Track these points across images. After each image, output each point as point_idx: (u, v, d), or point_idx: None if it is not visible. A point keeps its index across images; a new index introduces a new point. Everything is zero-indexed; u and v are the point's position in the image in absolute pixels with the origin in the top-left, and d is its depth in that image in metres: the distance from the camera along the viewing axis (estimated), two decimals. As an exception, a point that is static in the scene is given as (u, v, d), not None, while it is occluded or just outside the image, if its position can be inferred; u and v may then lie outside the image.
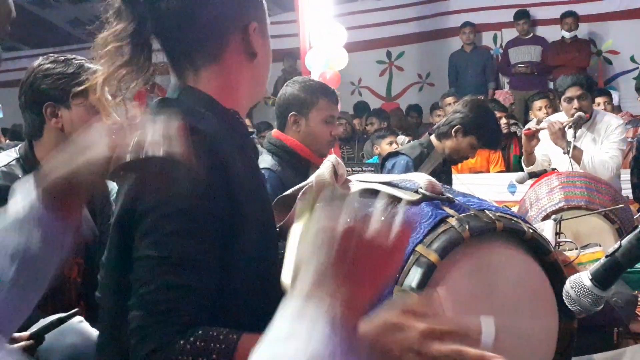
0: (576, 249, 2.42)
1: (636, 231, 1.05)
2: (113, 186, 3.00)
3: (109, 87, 1.28)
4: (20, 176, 1.93)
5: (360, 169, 4.47)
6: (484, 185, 5.35)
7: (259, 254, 1.23)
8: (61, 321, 1.44)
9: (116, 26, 1.27)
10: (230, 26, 1.28)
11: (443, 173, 3.49)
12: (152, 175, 1.03)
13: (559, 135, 3.83)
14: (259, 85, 1.38)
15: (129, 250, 1.15)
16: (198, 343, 1.05)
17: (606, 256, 1.07)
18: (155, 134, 1.05)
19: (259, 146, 2.32)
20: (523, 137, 4.11)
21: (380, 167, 3.61)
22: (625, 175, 4.45)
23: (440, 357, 0.99)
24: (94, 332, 1.70)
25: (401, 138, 5.79)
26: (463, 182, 4.27)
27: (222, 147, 1.17)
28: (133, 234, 1.14)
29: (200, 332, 1.07)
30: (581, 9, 8.30)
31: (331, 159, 1.42)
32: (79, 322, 1.76)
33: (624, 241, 1.06)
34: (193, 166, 1.03)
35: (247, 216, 1.19)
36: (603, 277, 1.07)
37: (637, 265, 2.46)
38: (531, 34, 8.58)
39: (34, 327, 1.54)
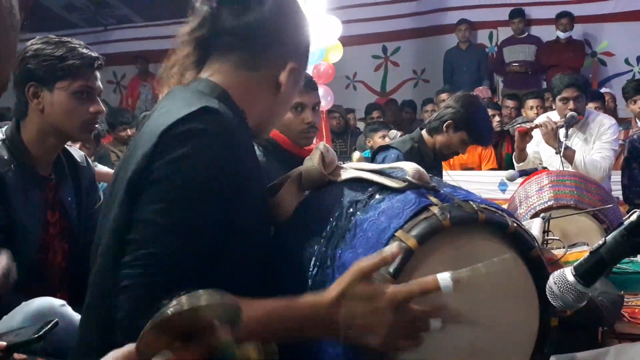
0: (563, 247, 2.42)
1: (621, 228, 1.04)
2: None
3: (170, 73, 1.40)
4: (5, 157, 1.91)
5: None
6: (475, 182, 5.36)
7: (257, 237, 1.27)
8: (39, 338, 1.42)
9: (192, 22, 1.38)
10: (276, 48, 1.35)
11: (433, 168, 3.49)
12: (173, 146, 1.15)
13: (551, 135, 3.83)
14: (267, 122, 1.44)
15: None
16: (183, 300, 1.07)
17: (590, 252, 1.07)
18: (171, 111, 1.19)
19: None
20: (516, 133, 4.12)
21: (371, 161, 3.60)
22: (616, 176, 4.47)
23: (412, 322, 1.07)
24: (76, 316, 1.69)
25: (393, 132, 5.78)
26: (454, 179, 4.28)
27: (237, 132, 1.22)
28: (139, 196, 1.18)
29: (185, 292, 1.09)
30: (576, 10, 8.31)
31: (320, 147, 1.42)
32: (61, 306, 1.75)
33: (609, 237, 1.05)
34: (212, 143, 1.15)
35: (250, 200, 1.23)
36: (586, 273, 1.06)
37: (623, 266, 2.51)
38: (526, 33, 8.61)
39: (11, 330, 1.50)
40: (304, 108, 2.64)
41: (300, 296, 1.13)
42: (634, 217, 1.03)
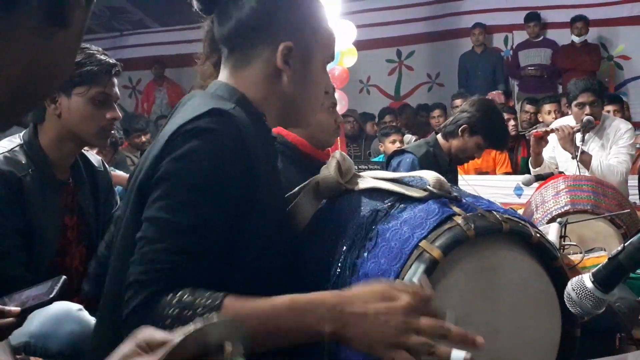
0: (580, 252, 2.40)
1: (640, 234, 1.04)
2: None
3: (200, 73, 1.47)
4: (23, 162, 1.93)
5: (366, 167, 4.47)
6: (490, 187, 5.34)
7: (268, 243, 1.26)
8: (53, 299, 1.41)
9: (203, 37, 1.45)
10: (260, 38, 1.34)
11: (449, 172, 3.47)
12: (178, 144, 1.17)
13: (568, 140, 3.81)
14: (292, 109, 1.41)
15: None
16: (185, 297, 1.09)
17: (609, 258, 1.06)
18: (184, 114, 1.22)
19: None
20: (532, 138, 4.10)
21: (385, 165, 3.60)
22: (633, 181, 4.42)
23: (422, 333, 1.02)
24: (93, 320, 1.70)
25: (408, 137, 5.76)
26: (469, 183, 4.26)
27: (247, 133, 1.22)
28: (148, 196, 1.20)
29: (189, 289, 1.11)
30: (592, 14, 8.24)
31: (336, 155, 1.42)
32: (79, 310, 1.76)
33: (628, 244, 1.05)
34: (218, 141, 1.16)
35: (261, 203, 1.23)
36: (605, 280, 1.06)
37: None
38: (541, 37, 8.55)
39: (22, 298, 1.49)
40: (336, 107, 2.74)
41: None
42: (653, 223, 1.02)
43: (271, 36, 1.34)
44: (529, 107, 7.03)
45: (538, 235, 1.20)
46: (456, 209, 1.20)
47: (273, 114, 1.39)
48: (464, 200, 1.25)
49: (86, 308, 1.79)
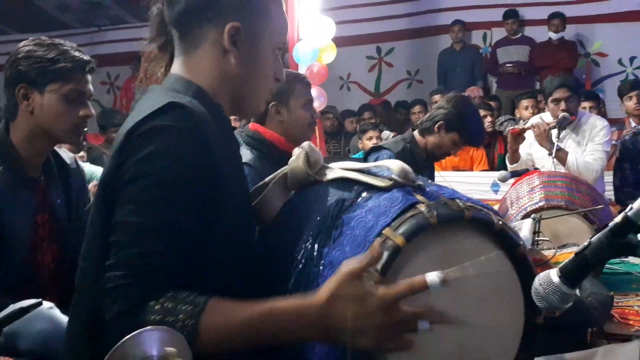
0: (554, 248, 2.43)
1: (606, 230, 1.04)
2: (90, 171, 2.98)
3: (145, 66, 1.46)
4: None
5: (345, 164, 4.46)
6: (468, 183, 5.37)
7: (237, 235, 1.27)
8: (23, 311, 1.41)
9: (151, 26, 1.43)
10: (206, 18, 1.33)
11: (426, 169, 3.49)
12: (140, 145, 1.16)
13: (544, 137, 3.84)
14: (240, 94, 1.39)
15: (112, 215, 1.19)
16: (167, 304, 1.10)
17: (575, 254, 1.07)
18: (142, 110, 1.20)
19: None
20: (509, 135, 4.13)
21: (363, 162, 3.60)
22: (608, 177, 4.48)
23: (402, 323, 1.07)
24: (65, 318, 1.68)
25: (385, 133, 5.79)
26: (446, 180, 4.28)
27: (207, 126, 1.21)
28: (115, 199, 1.19)
29: (170, 294, 1.11)
30: (569, 11, 8.33)
31: (304, 147, 1.41)
32: (49, 308, 1.74)
33: (594, 239, 1.05)
34: (179, 139, 1.16)
35: (227, 196, 1.24)
36: (571, 275, 1.06)
37: (614, 266, 2.51)
38: (520, 34, 8.63)
39: None
40: (312, 104, 2.81)
41: (285, 298, 1.12)
42: (618, 219, 1.03)
43: (219, 16, 1.32)
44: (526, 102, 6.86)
45: (500, 222, 1.21)
46: (420, 197, 1.20)
47: (224, 101, 1.38)
48: (427, 189, 1.25)
49: (59, 305, 1.78)
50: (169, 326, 1.05)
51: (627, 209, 1.02)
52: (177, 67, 1.37)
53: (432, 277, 1.05)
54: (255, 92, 1.41)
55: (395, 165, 1.28)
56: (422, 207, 1.16)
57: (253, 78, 1.39)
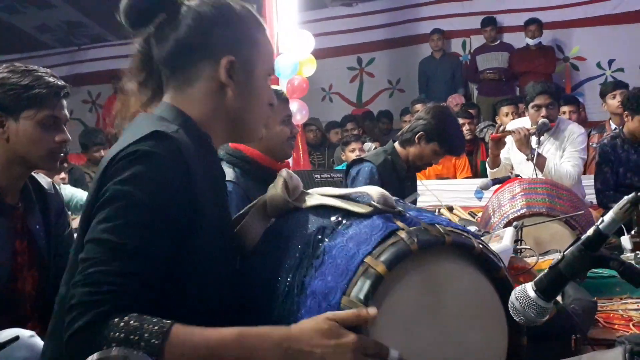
0: (536, 255, 2.44)
1: (578, 243, 1.05)
2: (70, 193, 2.96)
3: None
4: None
5: (329, 176, 4.47)
6: (451, 191, 5.39)
7: (214, 264, 1.27)
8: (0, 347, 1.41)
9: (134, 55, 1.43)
10: (200, 56, 1.35)
11: (408, 180, 3.50)
12: (120, 168, 1.18)
13: (524, 142, 3.88)
14: (239, 124, 1.42)
15: None
16: (132, 322, 1.09)
17: (550, 267, 1.08)
18: (128, 137, 1.22)
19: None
20: (490, 141, 4.17)
21: (345, 175, 3.61)
22: (590, 181, 4.51)
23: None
24: (45, 347, 1.67)
25: (368, 145, 5.80)
26: (429, 189, 4.30)
27: (189, 156, 1.22)
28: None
29: (135, 314, 1.11)
30: (545, 16, 8.43)
31: (283, 174, 1.42)
32: (30, 337, 1.72)
33: (567, 252, 1.07)
34: (159, 164, 1.18)
35: (205, 225, 1.24)
36: (547, 289, 1.07)
37: (598, 270, 2.53)
38: (498, 41, 8.70)
39: None
40: (290, 119, 2.80)
41: (258, 327, 1.12)
42: (590, 232, 1.04)
43: (211, 52, 1.34)
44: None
45: (481, 246, 1.22)
46: (400, 224, 1.21)
47: (221, 131, 1.39)
48: (407, 215, 1.26)
49: (41, 333, 1.76)
50: (132, 345, 1.04)
51: (599, 222, 1.04)
52: (169, 97, 1.38)
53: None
54: (253, 120, 1.44)
55: (374, 192, 1.29)
56: (402, 234, 1.17)
57: (251, 107, 1.41)
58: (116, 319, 1.09)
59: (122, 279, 1.13)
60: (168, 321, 1.10)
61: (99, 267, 1.13)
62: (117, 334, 1.07)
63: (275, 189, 1.40)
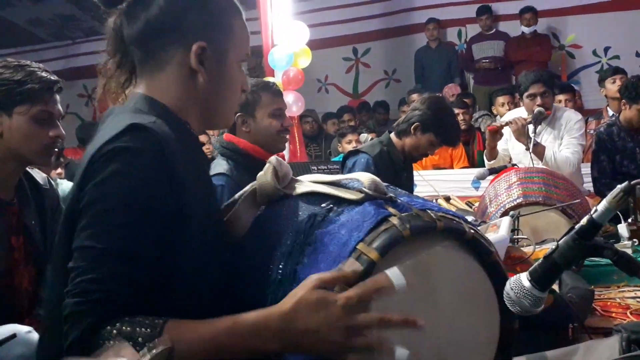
0: (533, 244, 2.45)
1: (572, 232, 1.05)
2: (63, 189, 2.96)
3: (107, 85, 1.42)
4: None
5: (325, 167, 4.47)
6: (448, 181, 5.40)
7: (205, 254, 1.25)
8: None
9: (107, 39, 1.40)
10: (171, 40, 1.32)
11: (404, 170, 3.50)
12: (99, 168, 1.14)
13: (522, 132, 3.87)
14: (210, 110, 1.39)
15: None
16: (124, 327, 1.08)
17: (544, 257, 1.08)
18: (105, 133, 1.18)
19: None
20: (487, 132, 4.16)
21: (341, 166, 3.61)
22: (586, 168, 4.51)
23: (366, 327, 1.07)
24: (43, 343, 1.67)
25: (364, 136, 5.80)
26: (426, 179, 4.30)
27: (169, 148, 1.19)
28: (75, 225, 1.17)
29: (127, 318, 1.10)
30: (541, 4, 8.40)
31: (272, 161, 1.41)
32: (28, 333, 1.72)
33: (561, 242, 1.07)
34: (139, 160, 1.14)
35: (192, 216, 1.22)
36: (541, 279, 1.08)
37: (595, 259, 2.53)
38: (494, 30, 8.68)
39: None
40: (282, 112, 2.80)
41: (249, 312, 1.12)
42: (584, 221, 1.04)
43: (183, 37, 1.31)
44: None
45: (472, 231, 1.21)
46: (391, 210, 1.20)
47: (195, 117, 1.37)
48: (399, 201, 1.25)
49: (37, 329, 1.76)
50: None
51: (592, 211, 1.04)
52: (141, 87, 1.35)
53: (394, 272, 1.07)
54: (224, 107, 1.41)
55: (365, 178, 1.28)
56: (394, 220, 1.17)
57: (222, 94, 1.38)
58: (108, 327, 1.08)
59: (109, 284, 1.11)
60: (160, 320, 1.09)
61: (86, 276, 1.11)
62: (111, 341, 1.07)
63: (265, 177, 1.39)
